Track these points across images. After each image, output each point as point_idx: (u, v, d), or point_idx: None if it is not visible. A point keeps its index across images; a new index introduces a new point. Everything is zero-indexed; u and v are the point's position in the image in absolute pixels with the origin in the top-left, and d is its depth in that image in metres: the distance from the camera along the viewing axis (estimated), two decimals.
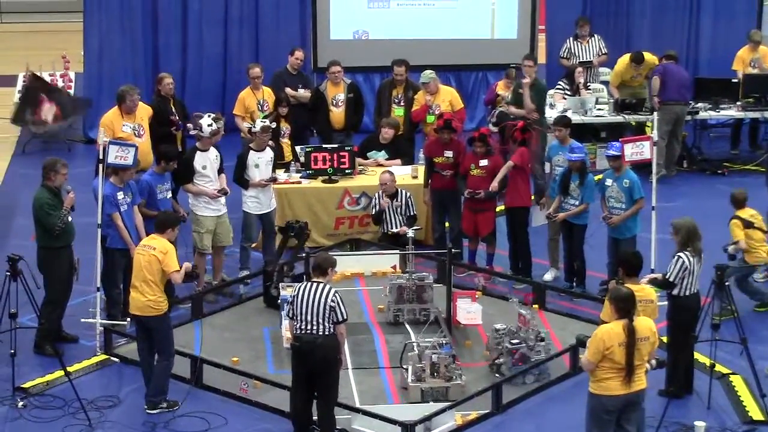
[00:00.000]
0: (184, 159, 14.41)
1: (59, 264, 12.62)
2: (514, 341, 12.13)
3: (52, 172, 12.61)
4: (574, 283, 14.35)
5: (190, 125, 15.67)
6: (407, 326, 13.20)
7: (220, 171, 14.34)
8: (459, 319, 13.03)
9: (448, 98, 16.81)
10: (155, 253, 11.51)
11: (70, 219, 12.62)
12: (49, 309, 12.44)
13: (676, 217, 11.91)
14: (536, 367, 12.05)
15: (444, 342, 11.97)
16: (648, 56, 18.93)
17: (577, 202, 14.12)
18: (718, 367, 12.01)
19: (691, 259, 11.58)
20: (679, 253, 11.62)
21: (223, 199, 14.32)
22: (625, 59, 18.96)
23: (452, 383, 11.72)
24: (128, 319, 13.05)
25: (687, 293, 11.63)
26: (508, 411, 11.66)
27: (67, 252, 12.71)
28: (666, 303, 11.75)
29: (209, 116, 14.34)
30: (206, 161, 14.19)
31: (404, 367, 11.94)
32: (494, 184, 14.61)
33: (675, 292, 11.62)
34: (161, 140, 15.50)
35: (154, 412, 11.55)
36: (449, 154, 15.05)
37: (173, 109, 16.11)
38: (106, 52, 20.12)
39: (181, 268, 11.55)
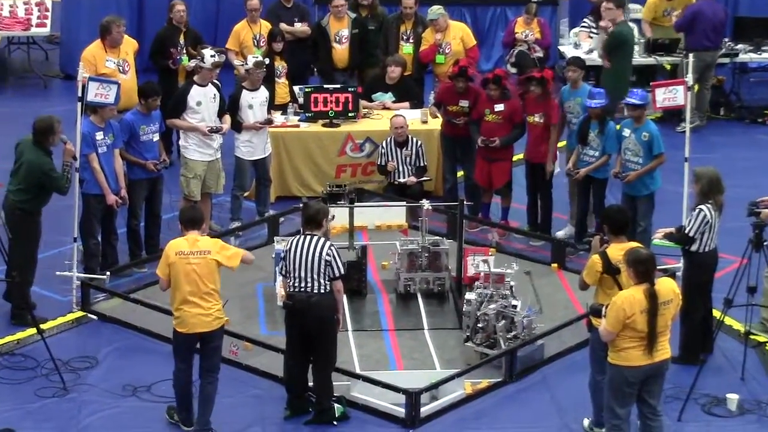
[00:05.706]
0: (179, 91, 14.34)
1: (35, 228, 12.30)
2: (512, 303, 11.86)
3: (51, 135, 12.14)
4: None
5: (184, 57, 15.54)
6: (419, 297, 13.06)
7: (222, 112, 14.15)
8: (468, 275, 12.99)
9: (459, 35, 16.67)
10: (214, 257, 10.49)
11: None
12: (16, 275, 11.83)
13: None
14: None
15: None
16: None
17: (597, 153, 13.86)
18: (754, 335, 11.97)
19: (713, 212, 11.50)
20: (700, 206, 11.55)
21: (216, 144, 14.15)
22: None
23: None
24: (107, 273, 12.98)
25: (706, 249, 11.60)
26: (523, 380, 11.60)
27: (41, 216, 12.40)
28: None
29: (211, 48, 14.30)
30: (202, 97, 13.99)
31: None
32: (550, 167, 14.31)
33: (693, 248, 11.55)
34: (162, 73, 15.60)
35: None
36: (465, 103, 14.80)
37: (181, 41, 16.00)
38: None
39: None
